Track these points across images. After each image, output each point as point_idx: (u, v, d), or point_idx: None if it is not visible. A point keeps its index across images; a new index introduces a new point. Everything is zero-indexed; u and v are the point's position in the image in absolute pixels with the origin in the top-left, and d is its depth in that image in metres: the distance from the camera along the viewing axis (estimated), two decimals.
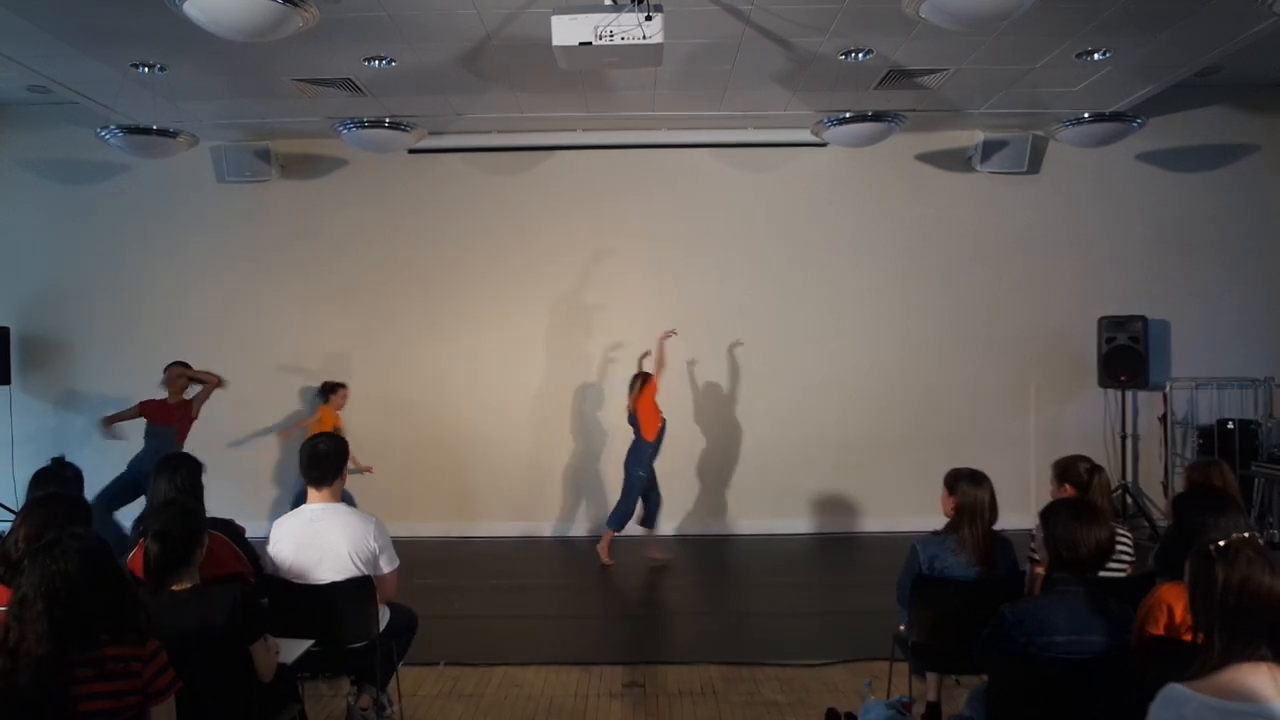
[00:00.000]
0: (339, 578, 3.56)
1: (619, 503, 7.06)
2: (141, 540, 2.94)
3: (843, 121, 6.62)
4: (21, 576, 2.22)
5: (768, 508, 8.30)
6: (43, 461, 4.55)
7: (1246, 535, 2.36)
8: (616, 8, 4.28)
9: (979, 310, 8.29)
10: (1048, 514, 2.90)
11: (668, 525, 8.03)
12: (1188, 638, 2.53)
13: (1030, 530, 3.51)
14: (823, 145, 7.76)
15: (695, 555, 7.12)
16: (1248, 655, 1.95)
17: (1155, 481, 8.18)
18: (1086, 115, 6.96)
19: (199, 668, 2.56)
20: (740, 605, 6.34)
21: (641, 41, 4.25)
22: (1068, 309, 8.22)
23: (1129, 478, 8.04)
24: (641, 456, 6.92)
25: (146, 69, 6.30)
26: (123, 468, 6.60)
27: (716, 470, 8.31)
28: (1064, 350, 8.26)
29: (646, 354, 7.11)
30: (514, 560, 7.54)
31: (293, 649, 3.20)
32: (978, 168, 8.23)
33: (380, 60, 6.28)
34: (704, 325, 8.26)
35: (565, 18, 4.27)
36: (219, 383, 6.95)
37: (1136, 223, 8.28)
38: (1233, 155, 8.27)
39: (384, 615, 3.75)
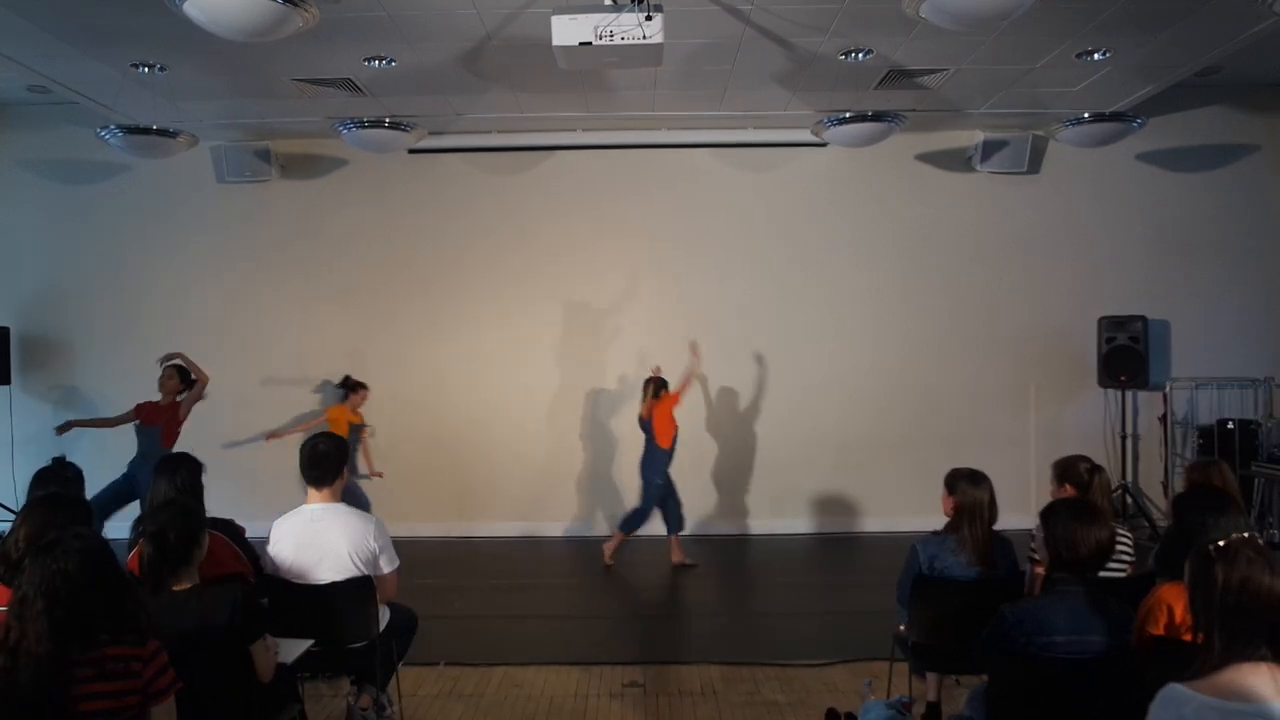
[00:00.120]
0: (339, 578, 3.56)
1: (636, 509, 7.02)
2: (141, 540, 2.95)
3: (843, 121, 6.62)
4: (22, 576, 2.23)
5: (768, 508, 8.31)
6: (43, 461, 4.55)
7: (1246, 535, 2.36)
8: (616, 8, 4.28)
9: (979, 310, 8.29)
10: (1048, 514, 2.90)
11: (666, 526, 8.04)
12: (1188, 638, 2.53)
13: (1030, 530, 3.51)
14: (823, 145, 7.76)
15: (695, 555, 7.12)
16: (1248, 655, 1.95)
17: (1155, 481, 8.18)
18: (1086, 115, 6.96)
19: (199, 668, 2.56)
20: (740, 605, 6.34)
21: (641, 41, 4.25)
22: (1068, 309, 8.23)
23: (1129, 478, 8.04)
24: (657, 464, 6.87)
25: (146, 69, 6.30)
26: (123, 468, 6.60)
27: (716, 470, 8.31)
28: (1064, 350, 8.26)
29: (658, 367, 7.05)
30: (514, 560, 7.54)
31: (293, 649, 3.20)
32: (978, 168, 8.23)
33: (380, 60, 6.28)
34: (704, 325, 8.26)
35: (565, 18, 4.27)
36: (205, 381, 6.83)
37: (1136, 223, 8.28)
38: (1233, 155, 8.27)
39: (384, 615, 3.75)
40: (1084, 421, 8.21)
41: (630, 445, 8.25)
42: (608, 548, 7.08)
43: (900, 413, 8.22)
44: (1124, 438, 8.09)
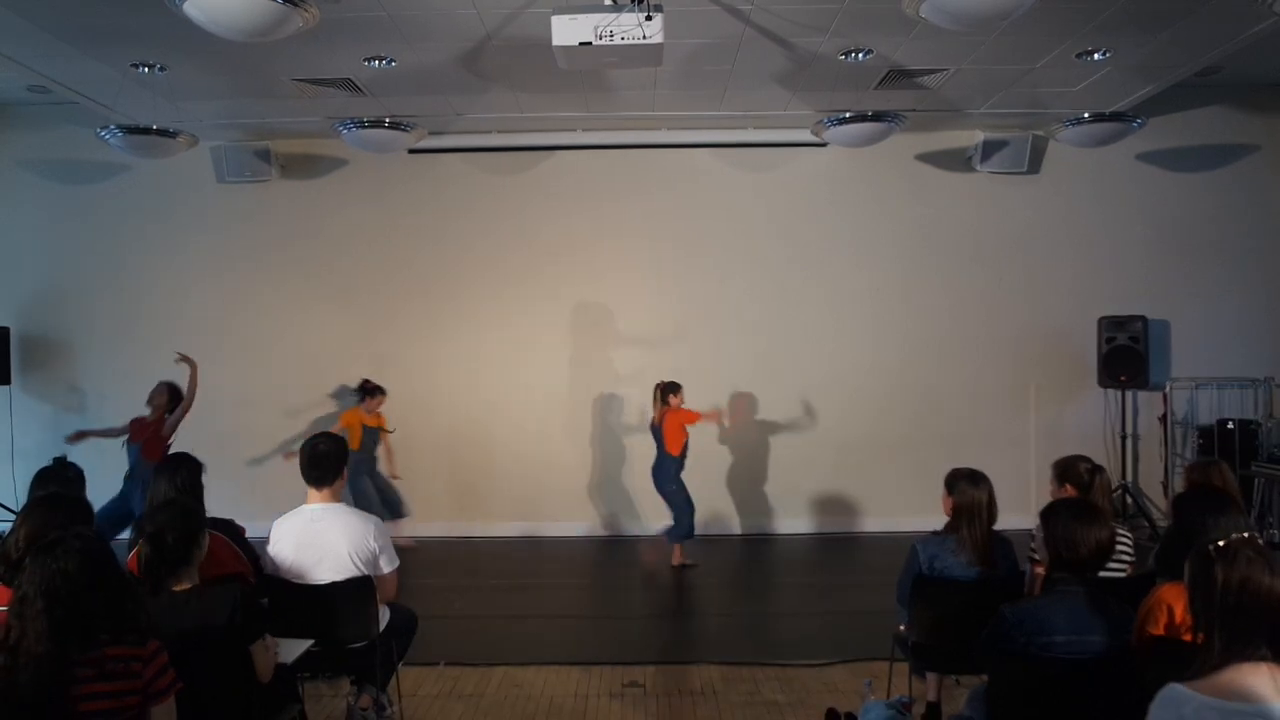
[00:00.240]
0: (339, 578, 3.57)
1: (676, 521, 6.91)
2: (141, 540, 2.95)
3: (843, 121, 6.61)
4: (22, 575, 2.23)
5: (768, 508, 8.31)
6: (43, 461, 4.56)
7: (1246, 535, 2.36)
8: (616, 8, 4.28)
9: (979, 310, 8.29)
10: (1048, 514, 2.90)
11: (666, 525, 8.03)
12: (1188, 638, 2.53)
13: (1030, 530, 3.51)
14: (823, 145, 7.76)
15: (695, 555, 7.11)
16: (1247, 655, 1.95)
17: (1155, 481, 8.18)
18: (1086, 115, 6.96)
19: (199, 668, 2.56)
20: (740, 605, 6.34)
21: (641, 41, 4.25)
22: (1068, 309, 8.23)
23: (1129, 478, 8.04)
24: (667, 471, 6.83)
25: (146, 69, 6.30)
26: (124, 467, 6.59)
27: (716, 471, 8.30)
28: (1064, 350, 8.26)
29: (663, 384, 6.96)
30: (514, 560, 7.54)
31: (293, 649, 3.20)
32: (978, 168, 8.23)
33: (380, 60, 6.28)
34: (704, 325, 8.27)
35: (565, 18, 4.27)
36: (188, 404, 6.63)
37: (1136, 223, 8.28)
38: (1233, 155, 8.27)
39: (384, 615, 3.75)
40: (1084, 421, 8.21)
41: (630, 445, 8.28)
42: (675, 559, 6.94)
43: (900, 413, 8.22)
44: (1124, 438, 8.09)
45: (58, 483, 3.87)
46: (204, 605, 2.80)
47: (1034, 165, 8.25)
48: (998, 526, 3.71)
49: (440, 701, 4.43)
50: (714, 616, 6.08)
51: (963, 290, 8.30)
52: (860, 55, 6.25)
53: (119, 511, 6.26)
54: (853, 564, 7.46)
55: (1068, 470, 3.92)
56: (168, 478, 3.67)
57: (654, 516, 8.10)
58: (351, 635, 3.61)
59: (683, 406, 6.88)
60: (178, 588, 2.84)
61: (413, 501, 7.91)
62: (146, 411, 6.64)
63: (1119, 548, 3.66)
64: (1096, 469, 3.88)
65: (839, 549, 7.86)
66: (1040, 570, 3.13)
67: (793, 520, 8.31)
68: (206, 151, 8.07)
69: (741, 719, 4.23)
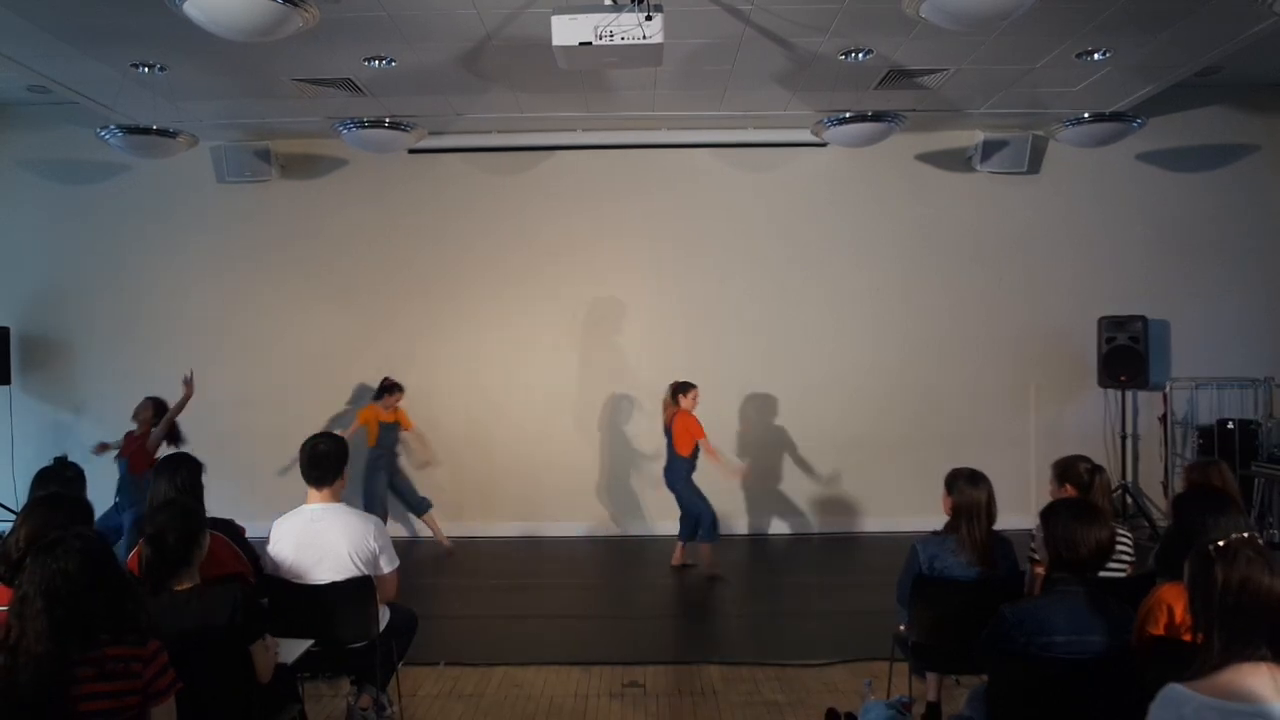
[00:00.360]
0: (339, 578, 3.57)
1: (698, 522, 6.77)
2: (141, 540, 2.95)
3: (843, 121, 6.61)
4: (23, 575, 2.23)
5: (767, 508, 8.31)
6: (43, 461, 4.56)
7: (1246, 535, 2.36)
8: (616, 8, 4.28)
9: (979, 310, 8.29)
10: (1048, 514, 2.90)
11: (666, 526, 8.03)
12: (1188, 638, 2.54)
13: (1030, 530, 3.51)
14: (823, 145, 7.76)
15: (695, 556, 7.11)
16: (1247, 655, 1.95)
17: (1155, 481, 8.18)
18: (1086, 115, 6.95)
19: (199, 668, 2.56)
20: (740, 605, 6.34)
21: (641, 41, 4.25)
22: (1068, 309, 8.23)
23: (1129, 478, 8.04)
24: (678, 472, 6.74)
25: (146, 69, 6.30)
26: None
27: (716, 471, 8.28)
28: (1064, 350, 8.26)
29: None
30: (514, 560, 7.55)
31: (293, 649, 3.20)
32: (978, 168, 8.23)
33: (380, 60, 6.28)
34: (704, 325, 8.27)
35: (565, 18, 4.27)
36: (169, 421, 6.48)
37: (1136, 223, 8.28)
38: (1233, 155, 8.27)
39: (384, 615, 3.75)
40: (1084, 421, 8.21)
41: (630, 445, 8.28)
42: (705, 564, 6.81)
43: (900, 413, 8.22)
44: (1124, 438, 8.09)
45: (58, 483, 3.87)
46: (204, 605, 2.80)
47: (1034, 165, 8.25)
48: (998, 526, 3.71)
49: (440, 701, 4.43)
50: (714, 616, 6.08)
51: (963, 290, 8.30)
52: (860, 55, 6.25)
53: (110, 524, 6.24)
54: (853, 564, 7.46)
55: (1068, 470, 3.92)
56: (168, 478, 3.67)
57: (654, 516, 8.13)
58: (351, 635, 3.61)
59: (694, 410, 6.74)
60: (178, 588, 2.84)
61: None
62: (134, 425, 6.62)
63: (1119, 548, 3.66)
64: (1096, 469, 3.88)
65: (839, 549, 7.86)
66: (1040, 570, 3.13)
67: (793, 520, 8.31)
68: (206, 151, 8.07)
69: (741, 719, 4.23)
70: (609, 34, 4.23)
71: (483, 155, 8.33)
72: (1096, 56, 6.32)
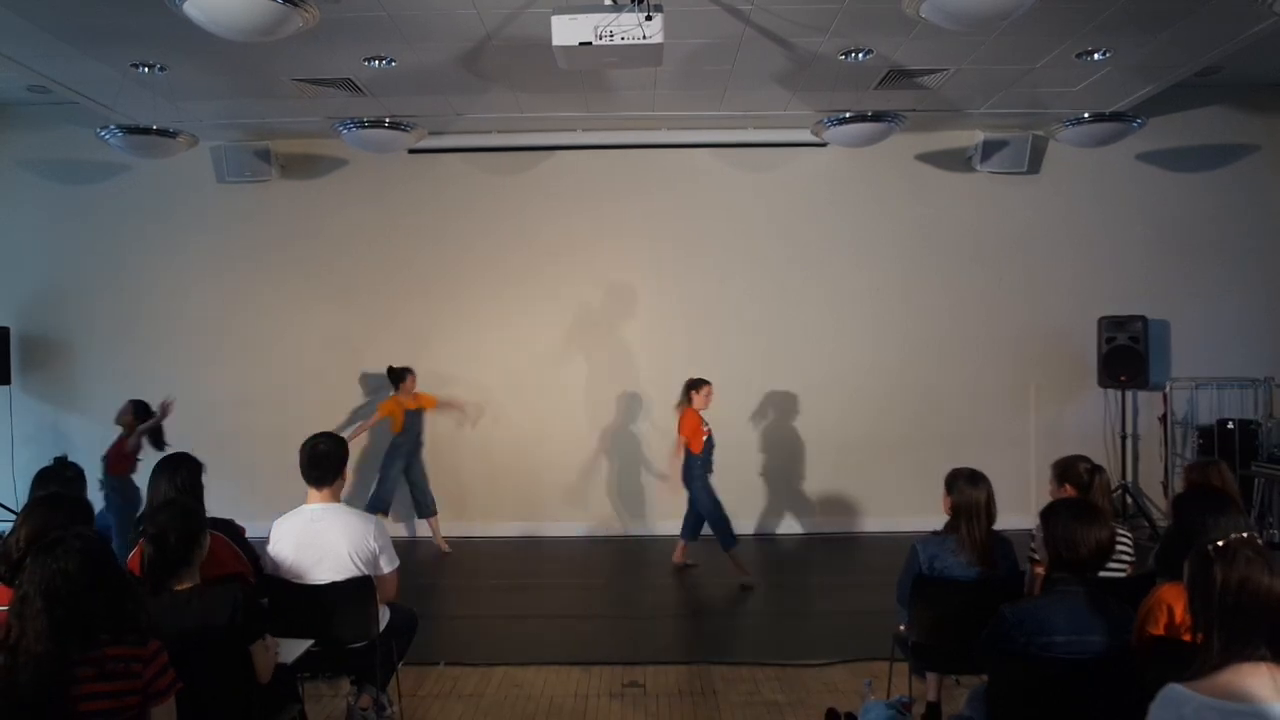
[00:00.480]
0: (339, 578, 3.57)
1: (713, 526, 6.71)
2: (142, 540, 2.95)
3: (843, 121, 6.61)
4: (23, 575, 2.23)
5: (767, 508, 8.31)
6: (43, 461, 4.56)
7: (1245, 535, 2.36)
8: (616, 8, 4.28)
9: (979, 310, 8.29)
10: (1048, 514, 2.90)
11: (667, 525, 8.03)
12: (1187, 638, 2.54)
13: (1030, 530, 3.51)
14: (823, 145, 7.76)
15: (696, 556, 7.11)
16: (1247, 655, 1.95)
17: (1155, 481, 8.18)
18: (1086, 115, 6.95)
19: (199, 668, 2.56)
20: (740, 605, 6.34)
21: (641, 41, 4.25)
22: (1068, 309, 8.23)
23: (1129, 478, 8.04)
24: (689, 470, 6.65)
25: (146, 69, 6.30)
26: None
27: (716, 471, 8.28)
28: (1064, 350, 8.26)
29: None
30: (514, 560, 7.55)
31: (293, 649, 3.20)
32: (978, 168, 8.23)
33: (380, 60, 6.28)
34: (704, 325, 8.27)
35: (565, 18, 4.27)
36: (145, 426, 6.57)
37: (1136, 223, 8.28)
38: (1233, 155, 8.27)
39: (384, 615, 3.76)
40: (1084, 421, 8.21)
41: (631, 444, 8.29)
42: (732, 570, 6.65)
43: (900, 413, 8.22)
44: (1124, 438, 8.09)
45: (58, 483, 3.88)
46: (204, 605, 2.80)
47: (1034, 165, 8.25)
48: (998, 526, 3.71)
49: (440, 701, 4.43)
50: (714, 616, 6.08)
51: (963, 290, 8.30)
52: (860, 55, 6.25)
53: (101, 523, 6.26)
54: (853, 564, 7.46)
55: (1067, 470, 3.92)
56: (168, 478, 3.67)
57: (655, 516, 8.13)
58: (351, 635, 3.61)
59: (706, 408, 6.64)
60: (178, 588, 2.84)
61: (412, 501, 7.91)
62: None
63: (1119, 548, 3.66)
64: (1096, 469, 3.88)
65: (839, 549, 7.86)
66: (1040, 570, 3.13)
67: (793, 520, 8.31)
68: (206, 151, 8.07)
69: (741, 719, 4.23)
70: (609, 34, 4.23)
71: (483, 155, 8.33)
72: (1096, 56, 6.32)
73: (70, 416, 8.22)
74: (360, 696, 3.87)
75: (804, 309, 8.33)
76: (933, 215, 8.33)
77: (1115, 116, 6.98)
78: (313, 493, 3.72)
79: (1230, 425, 7.59)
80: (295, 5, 4.53)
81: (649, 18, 4.22)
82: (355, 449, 7.92)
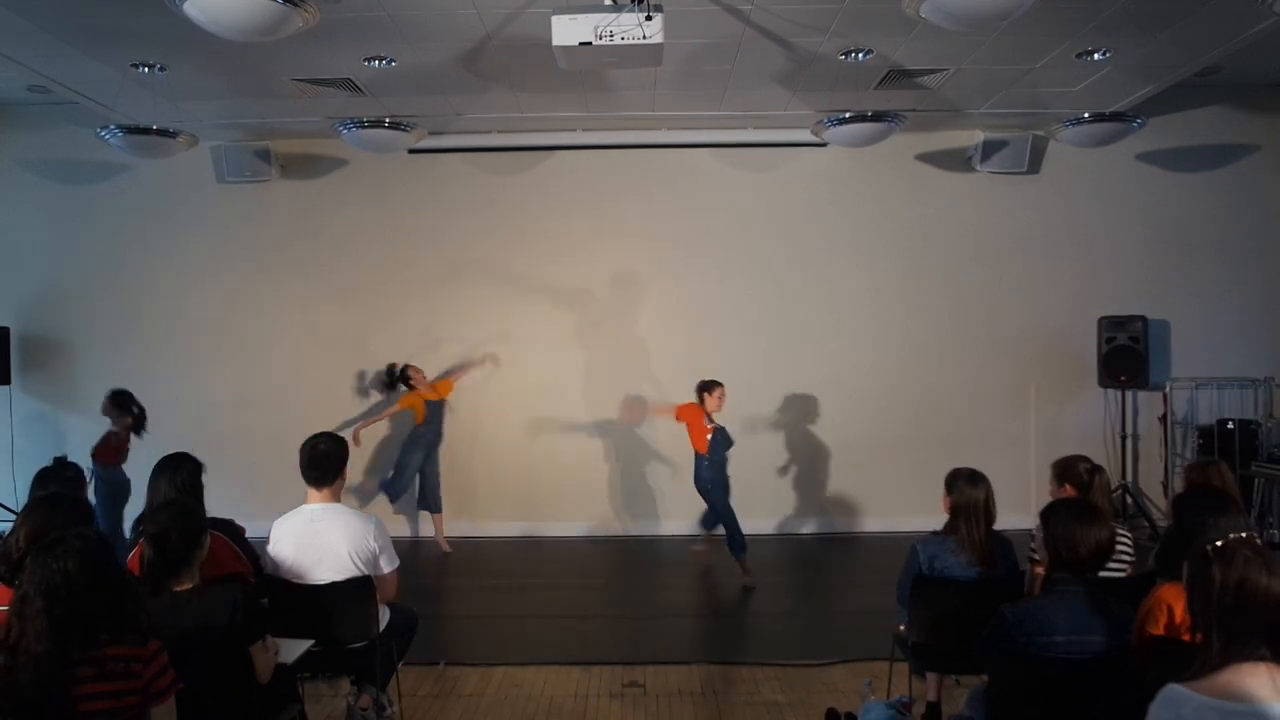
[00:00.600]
0: (339, 578, 3.57)
1: (726, 529, 6.62)
2: (142, 540, 2.95)
3: (843, 121, 6.61)
4: (23, 575, 2.23)
5: (767, 508, 8.31)
6: (43, 461, 4.56)
7: (1245, 535, 2.36)
8: (616, 8, 4.28)
9: (979, 310, 8.29)
10: (1048, 514, 2.90)
11: (667, 526, 8.05)
12: (1187, 638, 2.54)
13: (1030, 530, 3.51)
14: (823, 145, 7.76)
15: (704, 555, 7.12)
16: (1246, 655, 1.95)
17: (1155, 481, 8.18)
18: (1086, 115, 6.95)
19: (199, 668, 2.56)
20: (740, 605, 6.34)
21: (641, 41, 4.25)
22: (1068, 309, 8.23)
23: (1129, 478, 8.04)
24: (699, 471, 6.60)
25: (146, 69, 6.30)
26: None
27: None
28: (1064, 350, 8.26)
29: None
30: (514, 560, 7.55)
31: (292, 649, 3.20)
32: (978, 168, 8.23)
33: (380, 60, 6.28)
34: (704, 325, 8.27)
35: (565, 18, 4.27)
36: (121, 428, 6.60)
37: (1136, 223, 8.28)
38: (1233, 155, 8.27)
39: (384, 615, 3.76)
40: (1084, 421, 8.21)
41: (631, 444, 8.28)
42: (738, 572, 6.62)
43: (900, 413, 8.22)
44: (1124, 438, 8.09)
45: (58, 483, 3.87)
46: (204, 605, 2.80)
47: (1034, 165, 8.25)
48: (998, 526, 3.71)
49: (440, 701, 4.44)
50: (714, 616, 6.08)
51: (963, 290, 8.30)
52: (860, 55, 6.25)
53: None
54: (853, 564, 7.46)
55: (1067, 470, 3.92)
56: (168, 478, 3.67)
57: (655, 516, 8.14)
58: (351, 635, 3.61)
59: (718, 410, 6.57)
60: (178, 588, 2.84)
61: (412, 502, 7.91)
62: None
63: (1119, 548, 3.66)
64: (1096, 469, 3.88)
65: (839, 549, 7.86)
66: (1040, 570, 3.13)
67: (793, 520, 8.31)
68: (206, 151, 8.07)
69: (741, 719, 4.23)
70: (609, 34, 4.23)
71: (483, 155, 8.33)
72: (1096, 56, 6.32)
73: (70, 416, 8.21)
74: (360, 696, 3.87)
75: (804, 309, 8.33)
76: (933, 215, 8.33)
77: (1115, 116, 6.98)
78: (313, 493, 3.72)
79: (1230, 425, 7.59)
80: (295, 5, 4.53)
81: (649, 18, 4.22)
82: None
